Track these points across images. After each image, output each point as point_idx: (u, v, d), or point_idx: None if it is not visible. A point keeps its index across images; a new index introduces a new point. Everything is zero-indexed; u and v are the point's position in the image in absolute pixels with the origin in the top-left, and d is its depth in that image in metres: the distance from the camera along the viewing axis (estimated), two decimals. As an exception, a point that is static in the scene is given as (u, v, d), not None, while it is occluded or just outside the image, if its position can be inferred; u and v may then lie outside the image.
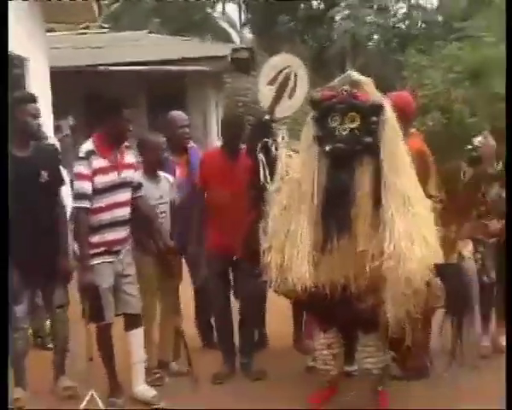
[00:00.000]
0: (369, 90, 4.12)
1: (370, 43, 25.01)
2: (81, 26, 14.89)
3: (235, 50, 13.90)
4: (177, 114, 5.55)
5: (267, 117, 4.48)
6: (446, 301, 4.27)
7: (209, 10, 35.51)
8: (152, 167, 4.82)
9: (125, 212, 4.42)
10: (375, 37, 24.18)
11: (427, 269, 3.88)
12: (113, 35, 15.63)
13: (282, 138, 4.37)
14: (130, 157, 4.49)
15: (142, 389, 4.49)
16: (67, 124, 9.08)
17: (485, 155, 5.20)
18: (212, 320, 5.42)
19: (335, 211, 3.97)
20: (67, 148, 7.53)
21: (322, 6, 28.93)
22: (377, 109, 4.00)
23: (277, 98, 4.50)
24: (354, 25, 22.93)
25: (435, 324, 4.71)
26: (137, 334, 4.49)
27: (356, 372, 4.72)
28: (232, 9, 36.69)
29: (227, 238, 4.73)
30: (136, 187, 4.52)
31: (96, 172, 4.26)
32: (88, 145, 4.32)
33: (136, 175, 4.52)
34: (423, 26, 25.56)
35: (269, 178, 4.29)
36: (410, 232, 3.87)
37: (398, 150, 4.04)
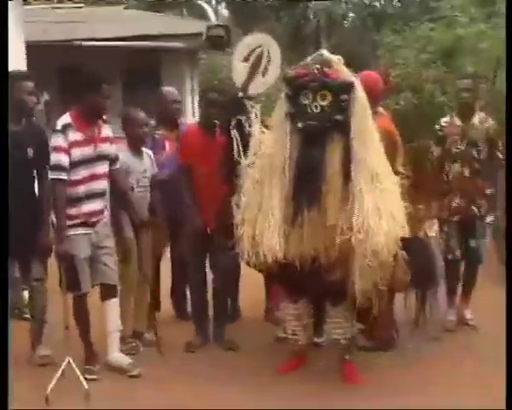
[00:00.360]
0: (340, 69, 4.24)
1: (345, 22, 25.09)
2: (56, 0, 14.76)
3: (210, 27, 13.89)
4: (169, 90, 5.67)
5: (241, 94, 4.57)
6: (411, 275, 4.43)
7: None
8: (135, 143, 4.91)
9: (101, 185, 4.51)
10: (351, 15, 24.24)
11: (393, 242, 4.04)
12: (89, 10, 15.45)
13: (256, 115, 4.48)
14: (106, 131, 4.56)
15: (117, 357, 4.60)
16: (43, 99, 9.10)
17: (450, 135, 5.33)
18: (187, 292, 5.55)
19: (306, 185, 4.10)
20: (41, 123, 7.56)
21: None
22: (348, 88, 4.13)
23: (251, 76, 4.60)
24: (329, 3, 22.97)
25: (400, 296, 4.87)
26: (113, 304, 4.59)
27: (324, 343, 4.91)
28: (208, -15, 36.53)
29: (205, 214, 4.84)
30: (113, 160, 4.59)
31: (72, 144, 4.33)
32: (65, 119, 4.38)
33: (112, 148, 4.59)
34: (398, 4, 25.70)
35: (242, 153, 4.40)
36: (378, 207, 4.02)
37: (368, 128, 4.18)
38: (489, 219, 5.43)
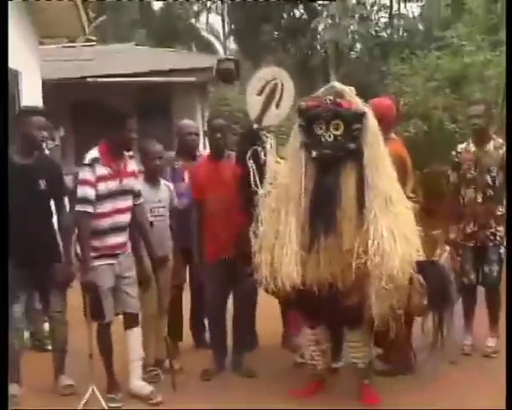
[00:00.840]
0: (352, 99, 4.37)
1: (352, 52, 25.40)
2: (68, 39, 15.05)
3: (220, 61, 14.14)
4: (187, 123, 5.85)
5: (256, 126, 4.72)
6: (427, 298, 4.51)
7: (193, 21, 35.95)
8: (151, 174, 5.05)
9: (125, 218, 4.64)
10: (358, 46, 24.57)
11: (408, 265, 4.14)
12: (101, 47, 15.79)
13: (271, 145, 4.62)
14: (132, 166, 4.70)
15: (139, 385, 4.70)
16: (58, 135, 9.30)
17: (464, 161, 5.40)
18: (205, 321, 5.65)
19: (322, 212, 4.21)
20: (57, 157, 7.75)
21: (304, 16, 29.33)
22: (360, 117, 4.26)
23: (265, 108, 4.75)
24: (337, 34, 23.29)
25: (418, 320, 4.94)
26: (135, 332, 4.71)
27: (342, 368, 4.99)
28: (216, 20, 37.14)
29: (222, 244, 4.96)
30: (137, 195, 4.74)
31: (99, 179, 4.47)
32: (93, 153, 4.52)
33: (136, 183, 4.74)
34: (405, 34, 26.01)
35: (259, 183, 4.53)
36: (393, 231, 4.12)
37: (380, 155, 4.30)
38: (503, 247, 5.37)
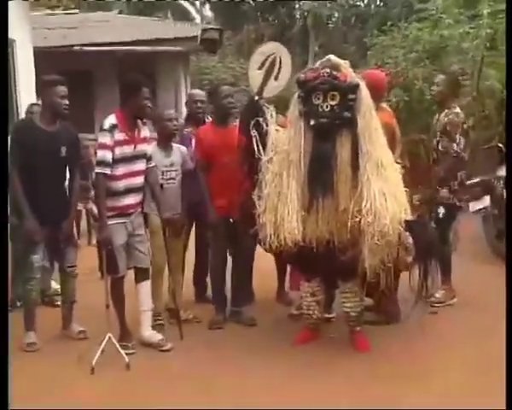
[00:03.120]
0: (347, 72, 4.77)
1: (331, 22, 25.67)
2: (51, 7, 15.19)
3: (204, 31, 14.41)
4: (196, 92, 6.24)
5: (257, 97, 5.10)
6: (415, 253, 4.97)
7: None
8: (165, 138, 5.41)
9: (139, 180, 5.01)
10: (336, 15, 24.83)
11: (397, 223, 4.57)
12: (84, 15, 15.93)
13: (271, 116, 5.01)
14: (144, 132, 5.05)
15: (150, 334, 5.11)
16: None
17: (433, 129, 5.94)
18: (206, 279, 6.08)
19: (320, 176, 4.63)
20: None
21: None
22: (354, 88, 4.66)
23: (265, 80, 5.14)
24: (316, 4, 23.54)
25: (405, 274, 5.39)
26: (146, 285, 5.11)
27: (333, 319, 5.48)
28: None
29: (225, 201, 5.38)
30: (149, 159, 5.09)
31: (116, 143, 4.83)
32: (111, 119, 4.85)
33: (149, 148, 5.10)
34: (381, 4, 26.30)
35: (262, 150, 4.92)
36: (384, 192, 4.55)
37: (372, 123, 4.71)
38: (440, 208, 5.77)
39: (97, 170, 4.84)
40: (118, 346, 4.81)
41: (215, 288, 5.73)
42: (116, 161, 4.84)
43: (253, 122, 4.97)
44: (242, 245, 5.50)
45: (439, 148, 5.78)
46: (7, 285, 4.15)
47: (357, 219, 4.54)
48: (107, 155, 4.80)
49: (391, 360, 4.75)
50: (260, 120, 4.98)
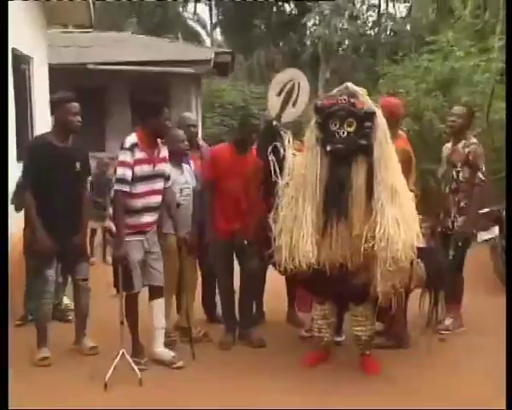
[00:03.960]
0: (364, 99, 4.86)
1: (341, 49, 25.90)
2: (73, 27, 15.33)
3: (217, 54, 14.58)
4: (187, 115, 6.28)
5: (275, 123, 5.21)
6: (426, 280, 5.04)
7: (180, 10, 36.09)
8: (178, 157, 5.51)
9: (157, 199, 5.08)
10: (346, 43, 25.07)
11: (410, 250, 4.65)
12: (99, 35, 16.06)
13: (289, 141, 5.11)
14: (164, 152, 5.14)
15: (162, 351, 5.18)
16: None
17: (443, 157, 6.06)
18: (216, 299, 6.15)
19: (335, 200, 4.72)
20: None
21: (294, 11, 29.77)
22: (371, 116, 4.75)
23: (283, 107, 5.26)
24: (327, 31, 23.78)
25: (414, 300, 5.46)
26: (159, 303, 5.17)
27: (343, 343, 5.53)
28: (203, 10, 37.34)
29: (234, 225, 5.46)
30: (167, 178, 5.17)
31: (136, 162, 4.91)
32: (132, 138, 4.95)
33: (167, 168, 5.18)
34: (391, 34, 26.55)
35: (279, 174, 5.00)
36: (397, 218, 4.64)
37: (388, 150, 4.81)
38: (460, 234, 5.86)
39: (116, 187, 4.91)
40: (131, 362, 4.86)
41: (224, 309, 5.80)
42: (135, 180, 4.92)
43: (271, 147, 5.07)
44: (253, 266, 5.57)
45: (460, 178, 5.86)
46: (7, 287, 4.18)
47: (371, 245, 4.62)
48: (127, 173, 4.88)
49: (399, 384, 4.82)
50: (278, 145, 5.07)
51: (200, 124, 15.16)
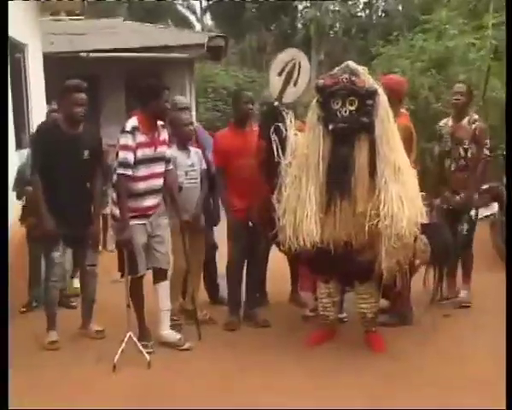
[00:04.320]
0: (365, 78, 4.86)
1: (333, 32, 25.85)
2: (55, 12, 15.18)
3: (211, 38, 14.52)
4: (179, 98, 6.27)
5: (276, 103, 5.19)
6: (430, 255, 5.08)
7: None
8: (184, 140, 5.54)
9: (158, 182, 5.08)
10: (338, 25, 25.01)
11: (414, 226, 4.68)
12: (90, 22, 15.98)
13: (290, 121, 5.11)
14: (164, 135, 5.14)
15: (168, 333, 5.20)
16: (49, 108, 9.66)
17: (444, 135, 6.07)
18: (219, 280, 6.20)
19: (338, 178, 4.73)
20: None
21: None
22: (372, 94, 4.75)
23: (284, 86, 5.24)
24: (318, 13, 23.74)
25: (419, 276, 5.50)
26: (164, 286, 5.19)
27: (346, 319, 5.58)
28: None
29: (243, 203, 5.48)
30: (168, 161, 5.18)
31: (137, 145, 4.90)
32: (133, 121, 4.93)
33: (168, 151, 5.18)
34: (383, 15, 26.51)
35: (282, 155, 5.02)
36: (400, 196, 4.65)
37: (390, 128, 4.82)
38: (474, 211, 6.01)
39: (119, 171, 4.89)
40: (139, 345, 4.89)
41: (231, 290, 5.81)
42: (137, 163, 4.91)
43: (273, 127, 5.07)
44: (258, 248, 5.61)
45: (468, 155, 5.91)
46: (7, 285, 4.15)
47: (375, 222, 4.64)
48: (129, 157, 4.87)
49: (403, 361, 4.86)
50: (280, 125, 5.07)
51: (194, 109, 15.14)
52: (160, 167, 5.08)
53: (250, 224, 5.50)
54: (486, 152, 5.90)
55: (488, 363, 4.76)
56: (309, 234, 4.74)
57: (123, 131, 4.91)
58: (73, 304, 6.16)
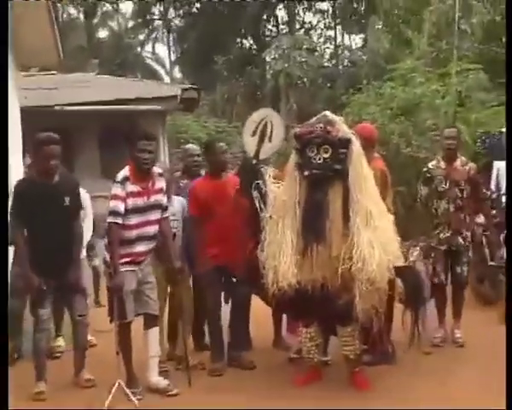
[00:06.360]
0: (340, 127, 5.10)
1: (300, 82, 26.36)
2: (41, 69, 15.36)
3: (184, 90, 14.79)
4: (191, 146, 6.56)
5: (254, 161, 5.41)
6: (405, 298, 5.27)
7: (139, 50, 36.49)
8: (166, 190, 5.60)
9: (152, 229, 5.21)
10: (306, 75, 25.53)
11: (385, 271, 4.88)
12: (63, 76, 16.15)
13: (269, 176, 5.33)
14: (161, 183, 5.27)
15: (157, 380, 5.28)
16: (25, 162, 9.72)
17: (437, 176, 6.25)
18: (204, 327, 6.29)
19: (313, 223, 4.94)
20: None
21: (254, 47, 30.30)
22: (346, 142, 5.00)
23: (260, 144, 5.45)
24: (286, 65, 24.29)
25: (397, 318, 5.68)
26: (154, 332, 5.29)
27: (329, 361, 5.70)
28: (162, 50, 37.77)
29: (220, 249, 5.63)
30: (164, 209, 5.32)
31: (128, 195, 5.06)
32: (124, 172, 5.10)
33: (164, 199, 5.32)
34: (349, 65, 27.17)
35: (264, 208, 5.21)
36: (371, 241, 4.85)
37: (363, 175, 5.04)
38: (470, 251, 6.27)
39: (109, 219, 5.03)
40: (128, 392, 4.97)
41: (213, 335, 5.90)
42: (129, 212, 5.06)
43: (254, 185, 5.26)
44: (240, 292, 5.76)
45: (464, 195, 6.12)
46: (7, 286, 4.24)
47: (348, 266, 4.83)
48: (119, 206, 5.02)
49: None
50: (260, 182, 5.27)
51: (167, 160, 15.31)
52: (153, 215, 5.21)
53: (234, 279, 5.66)
54: (485, 191, 6.19)
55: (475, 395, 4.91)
56: (285, 275, 4.90)
57: (114, 181, 5.07)
58: (57, 355, 6.20)
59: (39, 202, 5.22)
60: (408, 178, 9.69)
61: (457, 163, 6.22)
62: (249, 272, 5.36)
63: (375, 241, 4.87)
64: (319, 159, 4.98)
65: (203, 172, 6.41)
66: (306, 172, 4.99)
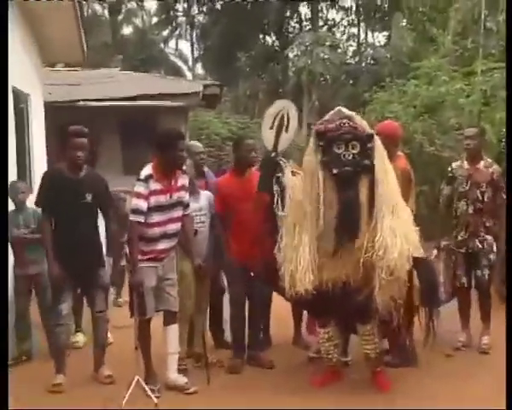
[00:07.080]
0: (361, 123, 5.03)
1: (323, 79, 26.26)
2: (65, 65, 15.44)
3: (206, 86, 14.76)
4: (194, 144, 6.47)
5: (273, 154, 5.33)
6: (419, 294, 5.19)
7: (162, 46, 36.61)
8: (192, 184, 5.59)
9: (174, 226, 5.20)
10: (329, 72, 25.42)
11: (405, 261, 4.80)
12: (88, 72, 16.21)
13: (289, 171, 5.22)
14: (183, 181, 5.24)
15: (176, 377, 5.25)
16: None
17: (458, 177, 6.12)
18: (223, 324, 6.28)
19: (349, 223, 4.82)
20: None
21: (276, 44, 30.23)
22: (371, 137, 4.93)
23: (277, 136, 5.37)
24: (309, 61, 24.19)
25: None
26: (174, 328, 5.26)
27: (350, 362, 5.64)
28: (185, 46, 37.84)
29: (245, 248, 5.57)
30: (186, 206, 5.30)
31: (151, 193, 5.04)
32: (147, 170, 5.07)
33: (186, 196, 5.30)
34: (372, 62, 26.98)
35: (281, 205, 5.13)
36: (394, 229, 4.79)
37: (387, 168, 4.99)
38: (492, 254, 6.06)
39: (131, 217, 5.03)
40: (147, 388, 4.95)
41: (235, 333, 5.85)
42: (152, 210, 5.04)
43: (274, 179, 5.18)
44: (260, 291, 5.72)
45: (485, 198, 5.97)
46: (7, 285, 4.22)
47: (370, 254, 4.77)
48: (141, 204, 5.00)
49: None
50: (280, 175, 5.19)
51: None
52: (176, 213, 5.19)
53: (252, 274, 5.61)
54: (504, 196, 5.91)
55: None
56: (302, 281, 4.84)
57: (137, 180, 5.06)
58: (78, 345, 6.25)
59: (62, 195, 5.27)
60: (431, 178, 9.61)
61: (481, 164, 6.07)
62: (269, 269, 5.29)
63: (398, 230, 4.81)
64: (348, 155, 4.87)
65: (206, 168, 6.41)
66: (335, 170, 4.83)
